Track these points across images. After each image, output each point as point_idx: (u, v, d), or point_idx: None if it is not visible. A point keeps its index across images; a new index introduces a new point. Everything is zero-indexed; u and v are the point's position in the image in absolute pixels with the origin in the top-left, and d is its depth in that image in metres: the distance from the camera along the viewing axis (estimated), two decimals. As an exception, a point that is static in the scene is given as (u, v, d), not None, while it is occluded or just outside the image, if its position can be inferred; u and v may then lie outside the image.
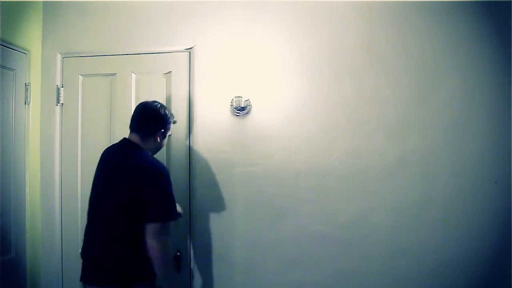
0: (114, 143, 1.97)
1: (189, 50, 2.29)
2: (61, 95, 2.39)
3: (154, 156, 1.92)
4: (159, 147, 1.94)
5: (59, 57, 2.40)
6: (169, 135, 2.01)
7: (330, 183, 2.15)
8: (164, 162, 2.23)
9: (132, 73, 2.33)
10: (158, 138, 1.90)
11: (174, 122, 2.02)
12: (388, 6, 2.13)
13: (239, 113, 2.21)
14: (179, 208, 1.96)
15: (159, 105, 1.93)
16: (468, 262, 2.03)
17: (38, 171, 2.38)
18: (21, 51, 2.27)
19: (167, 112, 1.94)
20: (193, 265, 2.24)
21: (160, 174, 1.78)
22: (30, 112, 2.33)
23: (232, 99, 2.21)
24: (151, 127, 1.90)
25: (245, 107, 2.20)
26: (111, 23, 2.36)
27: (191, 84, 2.28)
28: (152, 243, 1.70)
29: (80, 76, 2.39)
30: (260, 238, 2.19)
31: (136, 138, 1.87)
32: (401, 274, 2.08)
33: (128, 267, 1.74)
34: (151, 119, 1.90)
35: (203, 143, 2.24)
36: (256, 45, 2.22)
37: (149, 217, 1.71)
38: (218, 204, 2.22)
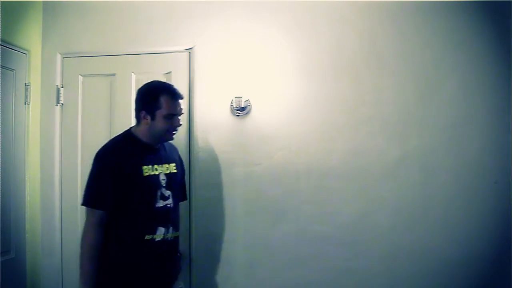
0: None
1: (189, 50, 2.29)
2: (61, 95, 2.39)
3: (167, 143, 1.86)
4: (157, 130, 1.75)
5: (59, 57, 2.40)
6: (175, 115, 1.77)
7: (330, 183, 2.14)
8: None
9: (132, 73, 2.33)
10: (147, 119, 1.74)
11: (180, 98, 1.79)
12: (388, 6, 2.13)
13: (239, 113, 2.20)
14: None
15: (148, 82, 1.81)
16: (468, 262, 2.03)
17: (38, 171, 2.38)
18: (21, 51, 2.27)
19: (155, 87, 1.78)
20: (193, 265, 2.24)
21: (95, 157, 1.75)
22: (30, 112, 2.33)
23: (232, 99, 2.21)
24: (135, 107, 1.80)
25: (245, 107, 2.20)
26: (111, 23, 2.36)
27: (191, 84, 2.28)
28: None
29: (80, 76, 2.39)
30: (260, 238, 2.18)
31: (134, 125, 1.85)
32: (401, 274, 2.08)
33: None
34: (135, 99, 1.82)
35: (203, 143, 2.24)
36: (256, 45, 2.22)
37: None
38: (218, 204, 2.22)
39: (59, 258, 2.37)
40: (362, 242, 2.12)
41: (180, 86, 2.25)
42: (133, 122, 2.29)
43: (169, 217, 1.79)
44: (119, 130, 2.29)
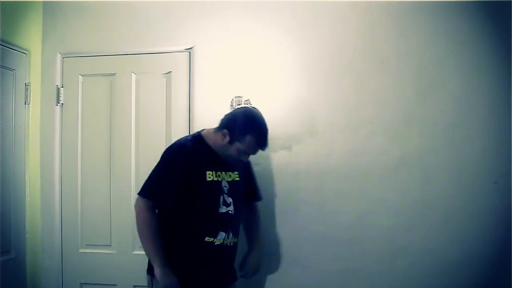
0: None
1: (189, 50, 2.29)
2: (61, 95, 2.39)
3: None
4: (226, 152, 1.79)
5: (59, 57, 2.40)
6: (245, 153, 1.80)
7: (330, 183, 2.14)
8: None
9: (132, 73, 2.33)
10: (225, 138, 1.76)
11: (263, 148, 1.82)
12: (389, 6, 2.13)
13: (239, 113, 2.20)
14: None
15: (250, 110, 1.85)
16: (468, 262, 2.03)
17: (38, 171, 2.38)
18: (21, 51, 2.27)
19: (251, 124, 1.77)
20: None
21: (163, 153, 1.80)
22: (30, 112, 2.33)
23: (232, 99, 2.21)
24: (224, 120, 1.82)
25: (245, 107, 2.20)
26: (111, 23, 2.36)
27: (191, 84, 2.28)
28: None
29: (80, 76, 2.39)
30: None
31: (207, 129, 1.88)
32: (401, 274, 2.08)
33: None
34: (230, 115, 1.84)
35: (203, 143, 2.24)
36: (256, 45, 2.21)
37: None
38: (218, 204, 2.21)
39: (59, 258, 2.37)
40: (362, 242, 2.12)
41: (180, 86, 2.28)
42: (133, 122, 2.31)
43: (230, 223, 1.81)
44: (119, 130, 2.32)
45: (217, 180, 1.80)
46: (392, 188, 2.10)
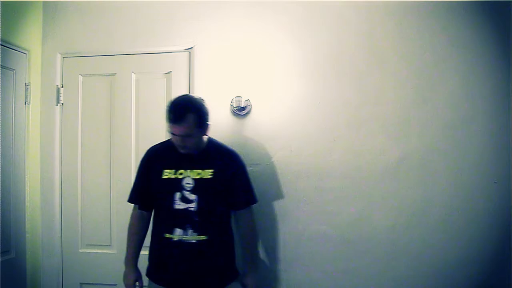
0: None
1: (189, 50, 2.29)
2: (61, 95, 2.39)
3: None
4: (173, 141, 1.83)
5: (59, 57, 2.40)
6: (174, 136, 1.78)
7: (330, 183, 2.14)
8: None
9: (132, 73, 2.33)
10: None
11: (177, 122, 1.73)
12: (389, 7, 2.13)
13: (239, 113, 2.21)
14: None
15: (175, 98, 1.84)
16: (468, 262, 2.03)
17: (38, 171, 2.38)
18: (21, 51, 2.27)
19: (169, 104, 1.78)
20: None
21: None
22: (30, 112, 2.33)
23: (232, 99, 2.21)
24: None
25: (245, 107, 2.20)
26: (111, 23, 2.36)
27: (191, 84, 2.28)
28: None
29: (80, 76, 2.39)
30: (260, 238, 2.18)
31: None
32: (401, 274, 2.08)
33: None
34: None
35: (203, 143, 2.24)
36: (257, 45, 2.22)
37: None
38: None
39: (59, 258, 2.37)
40: (362, 242, 2.12)
41: (180, 86, 2.28)
42: (133, 122, 2.32)
43: (190, 220, 1.80)
44: (119, 130, 2.32)
45: (175, 178, 1.82)
46: (392, 188, 2.10)
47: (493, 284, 2.02)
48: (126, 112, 2.32)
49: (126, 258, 1.94)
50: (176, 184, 1.82)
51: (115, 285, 2.20)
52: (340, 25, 2.17)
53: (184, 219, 1.81)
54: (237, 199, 1.91)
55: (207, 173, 1.84)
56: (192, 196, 1.81)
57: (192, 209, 1.81)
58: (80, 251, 2.35)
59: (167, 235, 1.81)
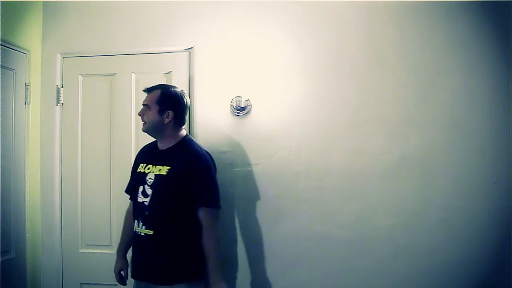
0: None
1: (189, 50, 2.29)
2: (61, 95, 2.39)
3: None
4: None
5: (59, 57, 2.40)
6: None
7: (330, 183, 2.14)
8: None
9: (132, 73, 2.33)
10: None
11: (144, 90, 1.99)
12: (389, 7, 2.13)
13: (239, 113, 2.21)
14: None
15: None
16: (468, 262, 2.03)
17: (38, 171, 2.38)
18: (21, 51, 2.27)
19: None
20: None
21: None
22: (30, 112, 2.33)
23: (232, 99, 2.21)
24: None
25: (245, 107, 2.20)
26: (111, 23, 2.36)
27: (191, 84, 2.28)
28: None
29: (80, 76, 2.39)
30: (260, 238, 2.18)
31: None
32: (401, 274, 2.08)
33: None
34: None
35: (202, 143, 2.23)
36: (257, 45, 2.22)
37: None
38: (218, 204, 2.21)
39: (59, 258, 2.37)
40: (362, 242, 2.12)
41: (180, 86, 2.26)
42: (133, 122, 2.32)
43: (142, 213, 1.87)
44: (119, 130, 2.32)
45: (143, 172, 1.91)
46: (392, 188, 2.10)
47: (493, 284, 2.02)
48: (126, 112, 2.32)
49: (118, 247, 2.06)
50: (142, 178, 1.90)
51: (115, 285, 2.19)
52: (340, 25, 2.17)
53: (139, 212, 1.89)
54: (193, 199, 1.85)
55: (164, 170, 1.86)
56: (150, 191, 1.86)
57: (146, 203, 1.86)
58: (80, 251, 2.35)
59: (134, 227, 1.91)
